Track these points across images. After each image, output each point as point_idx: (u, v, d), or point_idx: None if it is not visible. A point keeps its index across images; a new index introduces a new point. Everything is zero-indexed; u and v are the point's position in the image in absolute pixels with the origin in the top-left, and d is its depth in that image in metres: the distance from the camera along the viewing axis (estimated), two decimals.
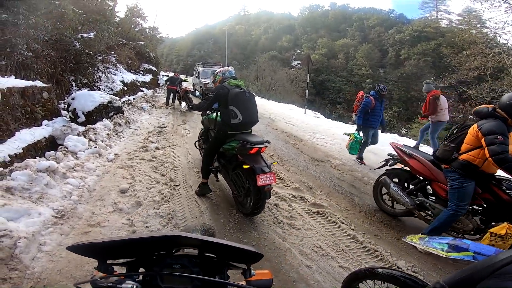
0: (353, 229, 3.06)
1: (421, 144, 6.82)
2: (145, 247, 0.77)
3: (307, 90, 12.29)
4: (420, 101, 28.79)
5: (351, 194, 4.03)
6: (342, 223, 3.16)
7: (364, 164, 5.32)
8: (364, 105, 5.12)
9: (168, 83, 11.04)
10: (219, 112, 3.36)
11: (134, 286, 0.65)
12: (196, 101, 10.75)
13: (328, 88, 41.56)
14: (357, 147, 5.24)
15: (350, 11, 59.28)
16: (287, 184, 4.20)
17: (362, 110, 5.14)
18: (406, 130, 26.54)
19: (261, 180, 2.81)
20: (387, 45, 42.59)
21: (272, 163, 3.08)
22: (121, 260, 0.81)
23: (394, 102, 35.32)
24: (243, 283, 0.78)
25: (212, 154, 3.53)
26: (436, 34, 37.45)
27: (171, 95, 10.97)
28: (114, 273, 0.74)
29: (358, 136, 5.27)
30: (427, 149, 6.66)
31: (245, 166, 2.98)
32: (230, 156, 3.33)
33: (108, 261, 0.75)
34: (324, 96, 41.25)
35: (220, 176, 3.80)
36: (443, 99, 6.02)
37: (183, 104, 10.75)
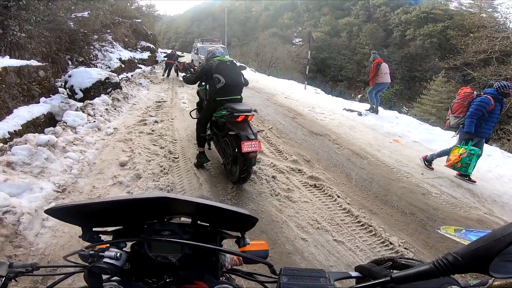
0: (348, 203, 3.09)
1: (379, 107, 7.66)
2: (133, 212, 0.70)
3: (307, 66, 12.10)
4: (423, 81, 28.50)
5: (348, 168, 4.05)
6: (338, 197, 3.20)
7: (475, 182, 4.02)
8: (479, 106, 3.82)
9: (166, 58, 12.93)
10: (208, 84, 3.58)
11: (118, 254, 0.61)
12: None
13: (330, 65, 40.81)
14: (474, 164, 3.85)
15: None
16: (285, 157, 4.22)
17: (475, 113, 3.84)
18: (407, 109, 26.40)
19: (246, 147, 2.90)
20: (392, 25, 41.30)
21: (258, 131, 3.16)
22: (109, 229, 0.76)
23: (397, 81, 34.85)
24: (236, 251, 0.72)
25: (204, 122, 3.69)
26: (444, 16, 36.25)
27: (168, 68, 12.75)
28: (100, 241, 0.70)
29: (475, 149, 3.85)
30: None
31: (230, 133, 3.15)
32: (221, 124, 3.45)
33: (95, 229, 0.71)
34: (325, 74, 40.60)
35: (212, 146, 3.96)
36: (384, 65, 7.09)
37: (181, 75, 11.82)
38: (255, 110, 3.29)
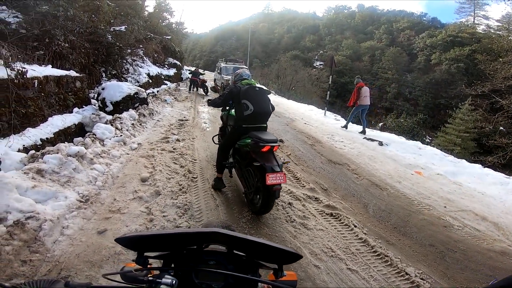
0: (365, 233, 3.03)
1: (350, 123, 9.00)
2: (181, 241, 0.77)
3: (328, 92, 11.83)
4: (448, 109, 27.69)
5: (367, 198, 3.97)
6: (355, 226, 3.14)
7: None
8: None
9: (191, 75, 14.82)
10: (233, 109, 3.53)
11: (174, 281, 0.66)
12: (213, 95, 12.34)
13: (350, 91, 40.39)
14: None
15: (379, 13, 57.61)
16: (303, 184, 4.19)
17: None
18: (430, 138, 25.51)
19: (270, 179, 2.78)
20: (417, 49, 40.85)
21: (284, 163, 3.08)
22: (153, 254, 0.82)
23: (420, 108, 34.05)
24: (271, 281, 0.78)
25: (227, 149, 3.61)
26: (471, 40, 35.47)
27: (192, 84, 14.62)
28: (148, 266, 0.75)
29: None
30: (357, 128, 8.69)
31: (255, 164, 3.01)
32: (245, 153, 3.33)
33: (144, 254, 0.76)
34: (346, 99, 40.18)
35: (234, 172, 3.85)
36: (365, 89, 8.30)
37: (200, 90, 14.68)
38: (281, 140, 3.22)
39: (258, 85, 3.44)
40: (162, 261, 0.81)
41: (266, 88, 3.63)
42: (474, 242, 3.09)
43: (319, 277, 2.35)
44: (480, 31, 38.65)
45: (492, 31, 34.04)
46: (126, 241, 0.73)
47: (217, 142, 4.64)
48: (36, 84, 4.75)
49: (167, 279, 0.66)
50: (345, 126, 8.86)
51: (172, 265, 0.80)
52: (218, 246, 0.85)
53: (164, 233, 0.72)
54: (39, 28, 5.95)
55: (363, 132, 8.31)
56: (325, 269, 2.45)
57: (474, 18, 43.98)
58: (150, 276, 0.69)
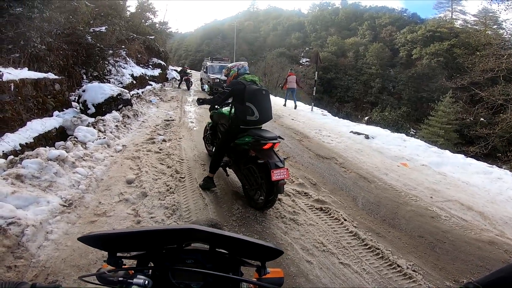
0: (355, 227, 3.04)
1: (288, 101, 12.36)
2: (157, 240, 0.73)
3: (314, 88, 12.02)
4: (430, 102, 28.50)
5: (355, 192, 4.00)
6: (345, 220, 3.15)
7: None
8: None
9: (179, 73, 17.10)
10: (233, 108, 3.34)
11: (146, 282, 0.63)
12: (202, 95, 11.81)
13: (336, 86, 41.17)
14: None
15: (361, 9, 58.21)
16: (291, 180, 4.19)
17: None
18: (414, 130, 26.14)
19: (276, 175, 2.83)
20: (399, 44, 41.69)
21: (285, 158, 3.12)
22: (130, 253, 0.78)
23: (403, 102, 34.85)
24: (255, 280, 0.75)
25: (224, 149, 3.51)
26: (450, 35, 36.51)
27: (181, 80, 16.63)
28: (123, 266, 0.71)
29: None
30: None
31: (259, 161, 3.01)
32: (241, 151, 3.32)
33: (118, 254, 0.72)
34: (332, 94, 40.91)
35: (229, 171, 3.81)
36: (291, 77, 11.42)
37: (183, 85, 16.40)
38: (280, 137, 3.23)
39: (262, 86, 3.29)
40: (136, 261, 0.76)
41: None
42: (462, 232, 3.13)
43: (312, 272, 2.34)
44: (458, 26, 39.83)
45: (470, 26, 35.16)
46: (91, 240, 0.68)
47: (207, 142, 4.56)
48: (12, 88, 4.57)
49: (139, 279, 0.63)
50: (284, 104, 12.04)
51: (149, 265, 0.76)
52: (201, 244, 0.81)
53: (132, 231, 0.66)
54: (14, 31, 5.73)
55: (295, 107, 11.43)
56: (317, 264, 2.44)
57: (452, 14, 45.30)
58: (120, 277, 0.64)
